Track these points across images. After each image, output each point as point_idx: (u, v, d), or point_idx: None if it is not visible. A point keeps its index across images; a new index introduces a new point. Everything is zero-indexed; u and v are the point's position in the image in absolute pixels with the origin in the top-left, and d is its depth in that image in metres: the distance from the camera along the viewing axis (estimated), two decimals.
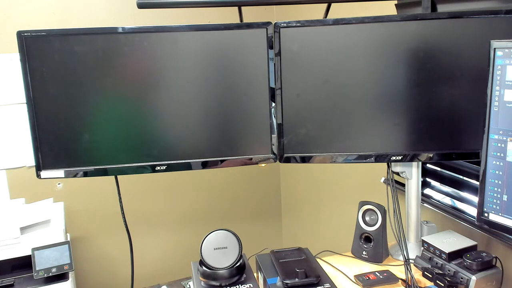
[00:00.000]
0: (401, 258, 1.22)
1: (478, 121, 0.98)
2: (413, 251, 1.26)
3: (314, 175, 2.25)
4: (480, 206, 0.96)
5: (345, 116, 1.16)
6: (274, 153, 1.20)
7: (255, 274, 1.14)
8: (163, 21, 2.12)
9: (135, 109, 1.16)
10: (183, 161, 1.18)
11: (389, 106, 1.14)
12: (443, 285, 1.07)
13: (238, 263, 1.05)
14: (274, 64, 1.15)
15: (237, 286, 1.04)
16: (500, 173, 0.91)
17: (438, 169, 1.48)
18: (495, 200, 0.93)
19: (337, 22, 1.11)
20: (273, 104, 1.17)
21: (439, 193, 1.46)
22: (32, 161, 1.14)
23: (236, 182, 2.51)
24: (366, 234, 1.28)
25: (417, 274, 1.17)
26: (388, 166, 1.23)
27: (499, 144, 0.91)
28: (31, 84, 1.10)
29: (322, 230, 2.22)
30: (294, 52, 1.14)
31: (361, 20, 1.10)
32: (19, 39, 1.08)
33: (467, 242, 1.18)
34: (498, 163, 0.92)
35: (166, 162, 1.17)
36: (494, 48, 0.91)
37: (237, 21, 1.26)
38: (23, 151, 1.38)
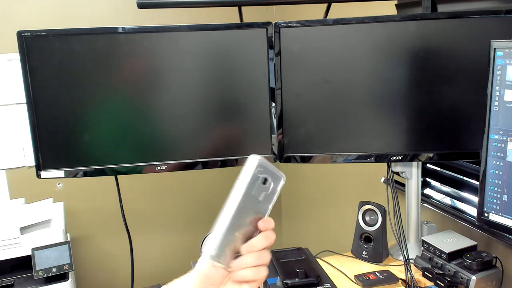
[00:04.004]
0: (401, 258, 1.22)
1: (478, 121, 0.97)
2: (413, 251, 1.26)
3: (314, 175, 2.25)
4: (480, 206, 0.96)
5: (345, 116, 1.16)
6: (274, 153, 1.20)
7: None
8: (163, 21, 2.12)
9: (135, 109, 1.16)
10: (183, 161, 1.18)
11: (389, 106, 1.14)
12: (443, 285, 1.07)
13: None
14: (274, 64, 1.14)
15: None
16: (500, 173, 0.91)
17: (438, 169, 1.48)
18: (495, 200, 0.93)
19: (337, 22, 1.11)
20: (273, 104, 1.17)
21: (439, 193, 1.46)
22: (32, 161, 1.14)
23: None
24: (366, 234, 1.28)
25: (417, 274, 1.17)
26: (388, 166, 1.23)
27: (499, 144, 0.91)
28: (31, 84, 1.10)
29: (322, 230, 2.22)
30: (294, 52, 1.14)
31: (361, 20, 1.10)
32: (19, 39, 1.08)
33: (467, 242, 1.17)
34: (498, 163, 0.92)
35: (166, 162, 1.17)
36: (494, 48, 0.91)
37: (237, 21, 1.26)
38: (23, 151, 1.38)
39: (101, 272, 2.32)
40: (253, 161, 0.59)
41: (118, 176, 1.21)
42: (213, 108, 1.18)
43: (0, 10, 1.94)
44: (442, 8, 1.32)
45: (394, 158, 1.16)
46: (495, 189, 0.93)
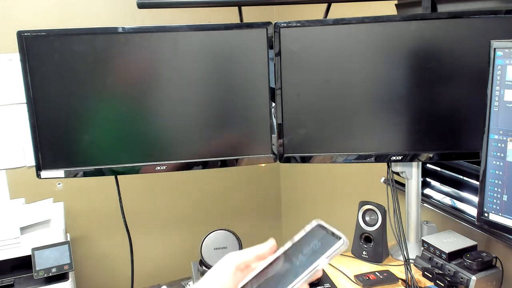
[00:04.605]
0: (401, 258, 1.22)
1: (478, 121, 0.97)
2: (413, 251, 1.26)
3: (314, 175, 2.25)
4: (480, 206, 0.96)
5: (345, 116, 1.16)
6: (274, 153, 1.20)
7: None
8: (163, 21, 2.12)
9: (135, 109, 1.15)
10: (183, 161, 1.18)
11: (389, 106, 1.14)
12: (443, 285, 1.07)
13: None
14: (274, 64, 1.14)
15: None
16: (500, 173, 0.91)
17: (438, 169, 1.48)
18: (495, 200, 0.93)
19: (337, 22, 1.11)
20: (273, 104, 1.17)
21: (439, 193, 1.46)
22: (32, 161, 1.14)
23: (236, 182, 2.51)
24: (366, 234, 1.28)
25: (417, 274, 1.17)
26: (388, 166, 1.23)
27: (499, 144, 0.91)
28: (31, 84, 1.10)
29: None
30: (294, 52, 1.14)
31: (361, 20, 1.10)
32: (19, 39, 1.08)
33: (467, 242, 1.17)
34: (498, 163, 0.92)
35: (166, 162, 1.17)
36: (494, 48, 0.91)
37: (237, 21, 1.26)
38: (23, 151, 1.38)
39: (101, 272, 2.32)
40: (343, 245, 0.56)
41: (118, 176, 1.21)
42: (213, 108, 1.18)
43: (0, 10, 1.94)
44: (442, 8, 1.32)
45: (394, 158, 1.16)
46: (495, 189, 0.93)
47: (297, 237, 0.60)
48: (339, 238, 0.56)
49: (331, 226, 0.59)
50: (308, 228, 0.60)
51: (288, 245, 0.60)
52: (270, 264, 0.59)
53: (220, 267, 0.60)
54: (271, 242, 0.61)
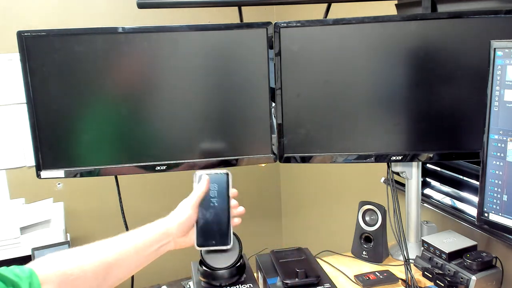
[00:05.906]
0: (401, 258, 1.22)
1: (478, 121, 0.97)
2: (413, 251, 1.26)
3: (314, 175, 2.25)
4: (480, 206, 0.96)
5: (345, 116, 1.16)
6: (274, 153, 1.20)
7: (255, 274, 1.14)
8: (163, 21, 2.12)
9: (135, 109, 1.15)
10: (183, 161, 1.18)
11: (389, 106, 1.14)
12: (443, 285, 1.07)
13: (238, 263, 1.05)
14: (274, 64, 1.14)
15: (237, 286, 1.04)
16: (500, 173, 0.91)
17: (438, 169, 1.48)
18: (495, 200, 0.93)
19: (337, 22, 1.11)
20: (273, 104, 1.17)
21: (439, 193, 1.46)
22: (32, 161, 1.14)
23: (236, 182, 2.50)
24: (366, 234, 1.28)
25: (417, 274, 1.17)
26: (388, 166, 1.23)
27: (499, 144, 0.91)
28: (31, 84, 1.10)
29: (322, 230, 2.22)
30: (294, 52, 1.14)
31: (361, 20, 1.10)
32: (19, 39, 1.08)
33: (467, 242, 1.17)
34: (498, 163, 0.92)
35: (166, 162, 1.17)
36: (494, 48, 0.91)
37: (237, 21, 1.26)
38: (23, 151, 1.38)
39: None
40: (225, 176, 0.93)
41: (118, 176, 1.21)
42: (213, 108, 1.18)
43: (0, 10, 1.94)
44: (442, 8, 1.32)
45: (394, 158, 1.16)
46: (495, 189, 0.93)
47: (198, 191, 0.91)
48: (225, 173, 0.93)
49: (210, 170, 0.92)
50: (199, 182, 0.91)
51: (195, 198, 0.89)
52: (201, 213, 0.92)
53: (184, 206, 0.92)
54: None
